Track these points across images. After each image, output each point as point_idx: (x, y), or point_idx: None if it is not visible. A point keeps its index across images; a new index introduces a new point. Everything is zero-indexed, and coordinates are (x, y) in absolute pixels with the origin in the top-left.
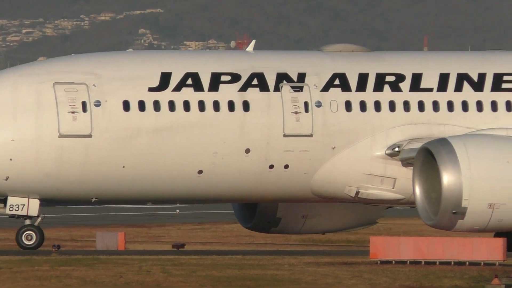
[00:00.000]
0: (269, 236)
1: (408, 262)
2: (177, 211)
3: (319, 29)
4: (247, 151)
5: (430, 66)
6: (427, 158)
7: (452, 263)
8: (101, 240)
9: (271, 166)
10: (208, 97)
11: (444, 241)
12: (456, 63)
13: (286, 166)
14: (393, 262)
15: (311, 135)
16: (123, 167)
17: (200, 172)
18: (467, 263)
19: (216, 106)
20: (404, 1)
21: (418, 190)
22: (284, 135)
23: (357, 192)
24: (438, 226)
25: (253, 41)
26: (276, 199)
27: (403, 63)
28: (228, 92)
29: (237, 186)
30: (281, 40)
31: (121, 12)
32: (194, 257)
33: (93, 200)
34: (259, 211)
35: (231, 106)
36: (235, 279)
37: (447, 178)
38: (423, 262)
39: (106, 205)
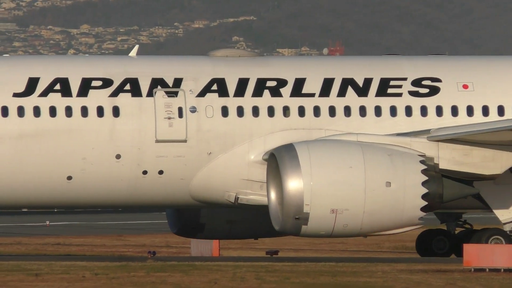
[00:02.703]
0: (362, 243)
1: (502, 270)
2: None
3: (410, 36)
4: (118, 157)
5: (315, 71)
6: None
7: None
8: (196, 247)
9: (145, 172)
10: (76, 102)
11: None
12: (343, 68)
13: (161, 172)
14: (487, 270)
15: (185, 141)
16: None
17: (69, 178)
18: None
19: (84, 111)
20: (495, 9)
21: (272, 195)
22: (157, 141)
23: (237, 198)
24: (284, 231)
25: (136, 46)
26: (154, 204)
27: (288, 68)
28: (97, 97)
29: (109, 192)
30: (372, 48)
31: (214, 20)
32: (288, 264)
33: None
34: (182, 217)
35: (100, 111)
36: (328, 286)
37: (288, 183)
38: None
39: None
